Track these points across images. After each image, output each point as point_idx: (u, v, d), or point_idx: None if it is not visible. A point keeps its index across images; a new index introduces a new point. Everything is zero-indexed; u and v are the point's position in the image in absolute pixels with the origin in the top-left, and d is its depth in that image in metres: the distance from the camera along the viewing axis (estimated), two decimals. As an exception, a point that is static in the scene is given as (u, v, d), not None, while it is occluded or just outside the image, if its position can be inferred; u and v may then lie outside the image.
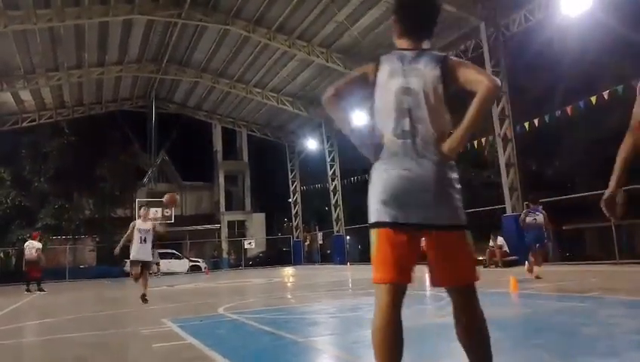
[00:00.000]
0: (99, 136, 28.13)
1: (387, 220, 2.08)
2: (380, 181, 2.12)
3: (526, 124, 15.35)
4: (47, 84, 22.23)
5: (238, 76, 24.48)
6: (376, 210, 2.12)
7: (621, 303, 5.87)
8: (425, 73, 2.12)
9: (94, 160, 28.23)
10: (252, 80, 24.61)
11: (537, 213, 10.04)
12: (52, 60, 20.99)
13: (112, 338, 5.32)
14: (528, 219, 10.09)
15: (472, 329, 2.11)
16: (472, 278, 2.12)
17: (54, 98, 24.60)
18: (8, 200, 26.48)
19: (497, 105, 16.04)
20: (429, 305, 6.68)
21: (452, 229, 2.07)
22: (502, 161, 15.88)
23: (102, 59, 22.07)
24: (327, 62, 20.22)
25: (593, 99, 13.60)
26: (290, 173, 30.96)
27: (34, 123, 25.55)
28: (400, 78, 2.15)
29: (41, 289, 14.88)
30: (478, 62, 17.16)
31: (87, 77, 22.76)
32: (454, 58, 2.21)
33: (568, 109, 14.34)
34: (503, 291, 7.71)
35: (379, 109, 2.20)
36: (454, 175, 2.14)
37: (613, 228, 13.63)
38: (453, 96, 2.17)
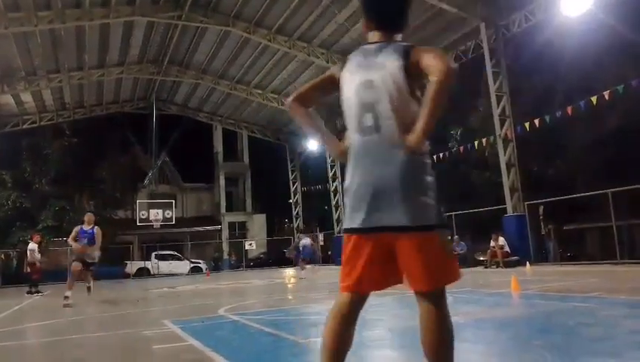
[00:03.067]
0: (99, 138, 28.13)
1: (354, 226, 2.00)
2: (348, 184, 2.05)
3: (526, 125, 15.34)
4: (47, 85, 22.26)
5: (238, 77, 24.51)
6: (346, 216, 2.06)
7: (622, 303, 5.86)
8: (386, 65, 2.01)
9: (95, 161, 28.24)
10: (253, 81, 24.64)
11: None
12: (53, 62, 21.03)
13: (112, 340, 5.32)
14: None
15: (438, 335, 1.95)
16: (443, 282, 1.99)
17: (55, 100, 24.64)
18: (9, 202, 26.47)
19: (498, 106, 16.06)
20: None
21: (420, 230, 1.93)
22: (502, 161, 15.87)
23: (102, 61, 22.10)
24: (328, 63, 20.22)
25: (594, 99, 13.59)
26: (290, 174, 31.00)
27: (35, 125, 25.58)
28: (361, 72, 2.06)
29: (37, 291, 14.80)
30: (479, 62, 17.23)
31: (88, 79, 22.79)
32: (420, 47, 2.05)
33: (569, 109, 14.34)
34: (504, 291, 7.71)
35: (344, 108, 2.12)
36: (425, 172, 1.99)
37: (614, 228, 13.62)
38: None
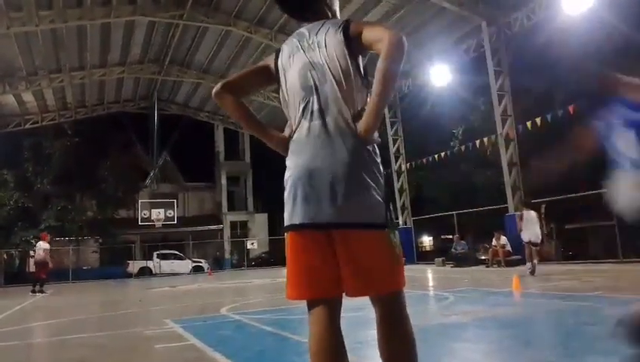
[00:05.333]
0: (101, 138, 28.17)
1: (294, 222, 1.74)
2: (288, 175, 1.80)
3: (528, 124, 15.32)
4: (49, 85, 22.28)
5: (239, 77, 24.50)
6: (286, 212, 1.78)
7: (624, 302, 5.85)
8: (327, 42, 1.79)
9: (97, 161, 28.28)
10: (254, 81, 24.61)
11: None
12: (54, 62, 21.04)
13: (115, 340, 5.33)
14: None
15: (394, 344, 1.74)
16: (392, 286, 1.75)
17: (57, 100, 24.66)
18: (11, 202, 26.52)
19: (499, 105, 16.05)
20: (432, 305, 6.67)
21: (366, 228, 1.69)
22: (504, 160, 15.87)
23: (104, 61, 22.12)
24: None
25: (596, 97, 13.54)
26: (292, 174, 31.00)
27: (36, 125, 25.61)
28: (300, 54, 1.84)
29: (41, 291, 14.89)
30: (480, 61, 17.22)
31: (90, 78, 22.81)
32: (359, 20, 1.84)
33: (570, 108, 14.31)
34: (506, 290, 7.70)
35: (285, 96, 1.89)
36: (373, 163, 1.75)
37: (616, 227, 13.59)
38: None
